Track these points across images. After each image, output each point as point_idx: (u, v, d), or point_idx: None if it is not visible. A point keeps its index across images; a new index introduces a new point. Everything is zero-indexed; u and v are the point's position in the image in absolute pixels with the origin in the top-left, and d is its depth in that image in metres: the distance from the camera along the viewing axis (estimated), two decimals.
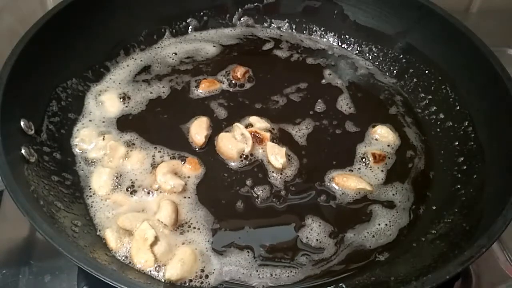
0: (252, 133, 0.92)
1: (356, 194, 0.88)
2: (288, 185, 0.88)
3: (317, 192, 0.88)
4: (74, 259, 0.62)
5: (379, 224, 0.85)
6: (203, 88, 1.03)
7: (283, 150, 0.91)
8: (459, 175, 0.90)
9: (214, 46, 1.16)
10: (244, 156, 0.91)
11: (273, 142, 0.93)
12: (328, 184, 0.89)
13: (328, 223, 0.83)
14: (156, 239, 0.75)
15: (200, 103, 1.02)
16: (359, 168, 0.92)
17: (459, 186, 0.88)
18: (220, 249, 0.78)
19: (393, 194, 0.89)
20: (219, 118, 0.99)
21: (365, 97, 1.08)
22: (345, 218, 0.85)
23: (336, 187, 0.88)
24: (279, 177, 0.89)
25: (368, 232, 0.84)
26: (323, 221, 0.84)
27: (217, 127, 0.97)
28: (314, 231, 0.82)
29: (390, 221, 0.85)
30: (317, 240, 0.81)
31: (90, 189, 0.85)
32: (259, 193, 0.86)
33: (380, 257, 0.81)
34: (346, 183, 0.88)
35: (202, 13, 1.19)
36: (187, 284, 0.74)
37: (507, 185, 0.77)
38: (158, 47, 1.14)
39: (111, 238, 0.76)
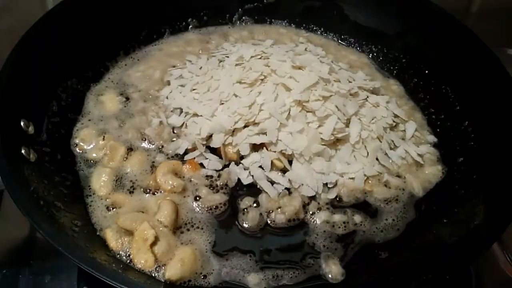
0: None
1: (356, 194, 0.88)
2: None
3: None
4: (74, 259, 0.63)
5: (386, 220, 0.85)
6: None
7: None
8: (459, 175, 0.90)
9: None
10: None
11: None
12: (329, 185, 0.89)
13: (335, 224, 0.83)
14: (156, 239, 0.75)
15: None
16: None
17: (458, 186, 0.88)
18: (221, 252, 0.78)
19: (396, 189, 0.89)
20: None
21: None
22: (351, 217, 0.85)
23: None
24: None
25: (377, 228, 0.84)
26: (330, 222, 0.83)
27: None
28: (320, 236, 0.82)
29: (397, 216, 0.86)
30: (324, 246, 0.81)
31: (90, 189, 0.85)
32: (259, 197, 0.86)
33: (382, 254, 0.81)
34: (346, 183, 0.88)
35: (202, 13, 1.19)
36: (187, 284, 0.74)
37: (506, 185, 0.77)
38: (157, 46, 1.14)
39: (111, 238, 0.76)
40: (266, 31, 1.21)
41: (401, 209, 0.87)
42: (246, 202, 0.85)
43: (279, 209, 0.84)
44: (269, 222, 0.83)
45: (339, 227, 0.83)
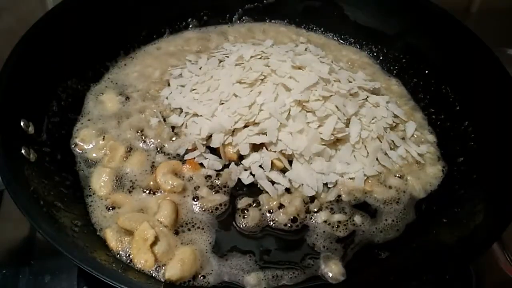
0: None
1: (356, 194, 0.88)
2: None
3: None
4: (74, 259, 0.63)
5: (386, 220, 0.85)
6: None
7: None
8: (459, 175, 0.90)
9: None
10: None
11: None
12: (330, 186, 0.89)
13: (335, 224, 0.83)
14: (156, 239, 0.75)
15: None
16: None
17: (458, 186, 0.88)
18: (221, 252, 0.78)
19: (396, 190, 0.89)
20: None
21: None
22: (351, 217, 0.85)
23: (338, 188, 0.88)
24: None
25: (376, 228, 0.84)
26: (330, 223, 0.83)
27: None
28: (320, 236, 0.82)
29: (397, 217, 0.86)
30: (324, 246, 0.81)
31: (90, 189, 0.85)
32: (259, 197, 0.86)
33: (382, 254, 0.81)
34: (346, 183, 0.88)
35: (202, 13, 1.19)
36: (187, 284, 0.74)
37: (506, 185, 0.77)
38: (155, 45, 1.14)
39: (111, 238, 0.76)
40: (266, 29, 1.21)
41: (401, 210, 0.87)
42: (246, 202, 0.85)
43: (279, 209, 0.84)
44: (269, 222, 0.83)
45: (339, 228, 0.83)
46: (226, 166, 0.90)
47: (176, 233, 0.79)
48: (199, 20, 1.20)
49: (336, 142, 0.90)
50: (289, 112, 0.89)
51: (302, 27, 1.23)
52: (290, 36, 1.20)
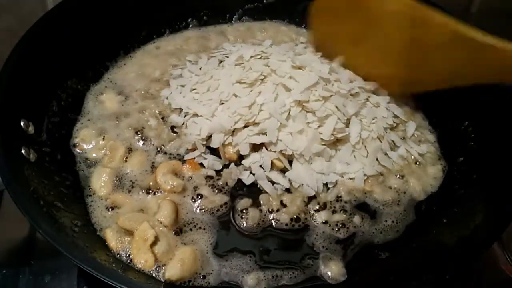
0: None
1: (356, 194, 0.88)
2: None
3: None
4: (74, 259, 0.63)
5: (386, 221, 0.85)
6: None
7: None
8: (459, 175, 0.90)
9: None
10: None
11: None
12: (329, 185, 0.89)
13: (335, 224, 0.83)
14: (156, 239, 0.75)
15: None
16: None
17: (458, 186, 0.88)
18: (221, 253, 0.78)
19: (397, 191, 0.89)
20: None
21: None
22: (351, 217, 0.84)
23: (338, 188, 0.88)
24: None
25: (376, 229, 0.84)
26: (330, 223, 0.83)
27: None
28: (320, 237, 0.82)
29: (397, 218, 0.86)
30: (323, 246, 0.81)
31: (90, 189, 0.85)
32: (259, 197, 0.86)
33: (382, 255, 0.81)
34: (346, 183, 0.88)
35: (202, 13, 1.19)
36: (187, 284, 0.74)
37: (506, 185, 0.77)
38: (154, 44, 1.14)
39: (111, 238, 0.76)
40: (265, 28, 1.21)
41: (401, 211, 0.87)
42: (246, 202, 0.85)
43: (280, 209, 0.84)
44: (269, 222, 0.83)
45: (339, 228, 0.83)
46: (226, 166, 0.90)
47: (177, 233, 0.79)
48: (199, 20, 1.20)
49: (336, 142, 0.90)
50: (289, 112, 0.89)
51: (303, 26, 1.23)
52: (290, 36, 1.20)
